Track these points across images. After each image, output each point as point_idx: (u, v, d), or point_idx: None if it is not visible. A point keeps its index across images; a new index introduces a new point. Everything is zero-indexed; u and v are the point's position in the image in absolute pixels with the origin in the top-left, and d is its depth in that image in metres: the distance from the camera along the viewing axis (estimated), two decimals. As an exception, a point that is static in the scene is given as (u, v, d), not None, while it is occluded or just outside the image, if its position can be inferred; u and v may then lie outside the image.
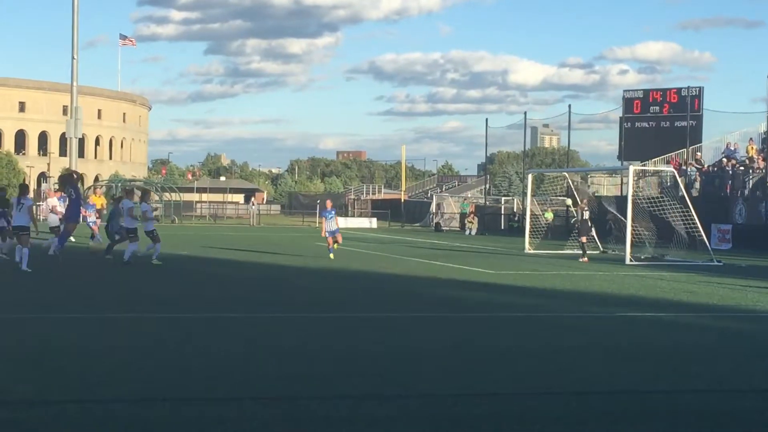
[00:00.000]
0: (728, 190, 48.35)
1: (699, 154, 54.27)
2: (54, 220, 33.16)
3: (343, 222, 73.78)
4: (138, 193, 30.67)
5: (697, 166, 52.54)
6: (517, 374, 11.33)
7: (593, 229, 38.16)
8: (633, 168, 37.46)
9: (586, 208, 35.92)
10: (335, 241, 31.22)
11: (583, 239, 34.85)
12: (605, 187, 60.83)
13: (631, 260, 31.93)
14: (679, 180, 42.12)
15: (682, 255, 33.97)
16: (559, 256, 35.61)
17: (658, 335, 15.04)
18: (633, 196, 35.07)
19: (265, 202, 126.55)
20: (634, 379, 11.21)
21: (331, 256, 30.77)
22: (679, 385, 10.99)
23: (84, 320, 15.49)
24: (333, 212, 32.46)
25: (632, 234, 33.20)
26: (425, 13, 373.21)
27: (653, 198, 36.82)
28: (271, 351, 12.64)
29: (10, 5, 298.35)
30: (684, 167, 52.35)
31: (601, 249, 38.42)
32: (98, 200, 43.92)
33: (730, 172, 49.53)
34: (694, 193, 47.40)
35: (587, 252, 34.52)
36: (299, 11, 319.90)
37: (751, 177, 48.25)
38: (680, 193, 36.21)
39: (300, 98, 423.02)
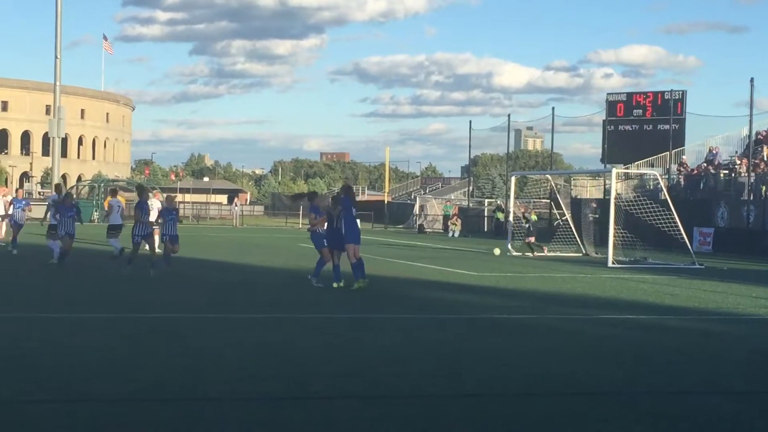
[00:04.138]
0: (712, 193, 48.53)
1: (684, 157, 54.46)
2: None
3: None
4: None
5: (683, 170, 52.72)
6: (499, 376, 11.32)
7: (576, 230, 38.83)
8: (615, 170, 37.54)
9: (527, 212, 40.06)
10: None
11: (529, 240, 38.48)
12: (588, 189, 60.95)
13: (613, 263, 32.00)
14: (662, 183, 42.29)
15: (663, 258, 34.12)
16: (542, 258, 35.67)
17: (640, 337, 15.04)
18: (615, 198, 35.20)
19: (248, 202, 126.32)
20: (616, 381, 11.22)
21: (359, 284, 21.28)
22: (661, 386, 10.98)
23: (62, 320, 15.41)
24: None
25: (614, 236, 33.32)
26: (411, 15, 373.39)
27: (635, 200, 36.89)
28: (253, 351, 12.59)
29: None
30: (670, 173, 52.57)
31: (584, 252, 38.56)
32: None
33: (713, 175, 49.71)
34: (678, 196, 47.48)
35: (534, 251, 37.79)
36: (285, 13, 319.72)
37: (733, 180, 48.43)
38: (662, 197, 36.35)
39: (284, 99, 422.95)
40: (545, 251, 38.23)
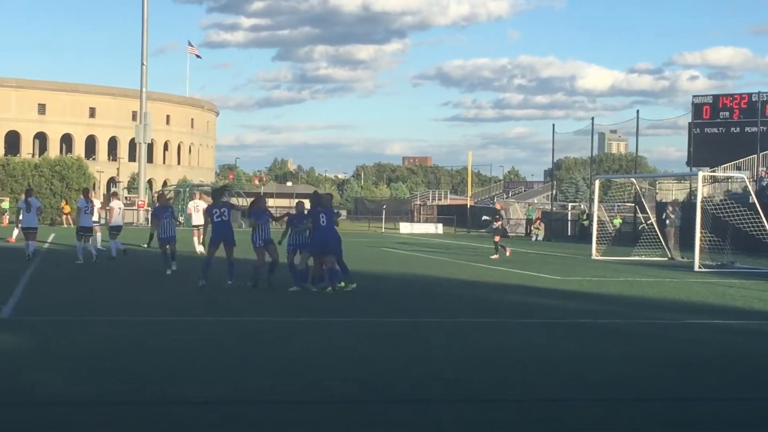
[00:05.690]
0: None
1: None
2: (197, 219, 35.12)
3: (409, 227, 73.80)
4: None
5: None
6: (581, 380, 11.20)
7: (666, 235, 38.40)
8: (702, 174, 36.96)
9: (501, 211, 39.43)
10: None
11: (497, 238, 37.22)
12: (673, 193, 60.24)
13: (700, 267, 31.54)
14: (750, 186, 41.60)
15: (751, 262, 33.56)
16: (627, 263, 35.28)
17: (729, 342, 14.82)
18: (702, 202, 34.69)
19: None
20: (702, 387, 11.04)
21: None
22: (751, 393, 10.81)
23: (142, 323, 15.61)
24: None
25: (701, 240, 32.84)
26: (494, 19, 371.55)
27: (722, 204, 36.36)
28: (336, 355, 12.63)
29: (81, 12, 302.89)
30: (758, 175, 51.72)
31: (670, 256, 38.08)
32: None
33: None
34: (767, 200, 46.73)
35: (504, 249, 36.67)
36: (368, 18, 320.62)
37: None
38: (750, 200, 35.78)
39: (367, 104, 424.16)
40: (507, 253, 36.59)
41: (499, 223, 37.91)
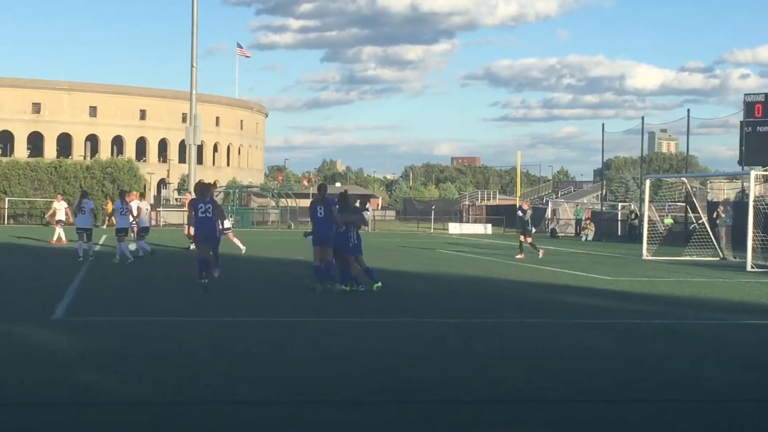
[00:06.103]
0: None
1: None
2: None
3: (458, 228, 73.67)
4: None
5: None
6: (632, 381, 11.11)
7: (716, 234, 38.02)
8: (754, 173, 36.52)
9: (527, 209, 38.24)
10: None
11: (529, 239, 36.57)
12: (724, 192, 59.64)
13: (752, 267, 31.20)
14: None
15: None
16: (678, 263, 34.99)
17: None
18: (754, 201, 34.33)
19: (380, 207, 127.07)
20: (755, 389, 10.92)
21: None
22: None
23: (190, 323, 15.69)
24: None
25: (753, 240, 32.49)
26: (542, 18, 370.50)
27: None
28: (389, 356, 12.63)
29: (131, 15, 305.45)
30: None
31: (721, 256, 37.73)
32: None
33: None
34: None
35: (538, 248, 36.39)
36: (416, 18, 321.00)
37: None
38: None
39: (415, 104, 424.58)
40: (519, 255, 35.90)
41: (522, 214, 37.02)
